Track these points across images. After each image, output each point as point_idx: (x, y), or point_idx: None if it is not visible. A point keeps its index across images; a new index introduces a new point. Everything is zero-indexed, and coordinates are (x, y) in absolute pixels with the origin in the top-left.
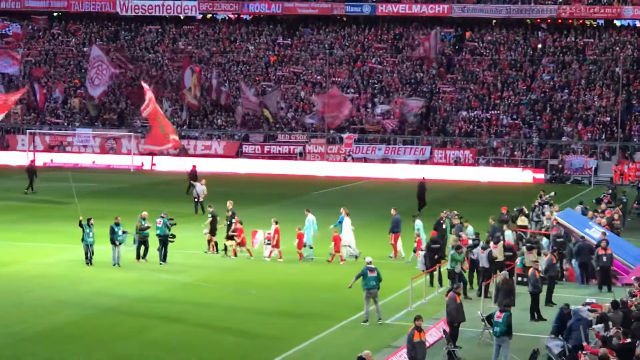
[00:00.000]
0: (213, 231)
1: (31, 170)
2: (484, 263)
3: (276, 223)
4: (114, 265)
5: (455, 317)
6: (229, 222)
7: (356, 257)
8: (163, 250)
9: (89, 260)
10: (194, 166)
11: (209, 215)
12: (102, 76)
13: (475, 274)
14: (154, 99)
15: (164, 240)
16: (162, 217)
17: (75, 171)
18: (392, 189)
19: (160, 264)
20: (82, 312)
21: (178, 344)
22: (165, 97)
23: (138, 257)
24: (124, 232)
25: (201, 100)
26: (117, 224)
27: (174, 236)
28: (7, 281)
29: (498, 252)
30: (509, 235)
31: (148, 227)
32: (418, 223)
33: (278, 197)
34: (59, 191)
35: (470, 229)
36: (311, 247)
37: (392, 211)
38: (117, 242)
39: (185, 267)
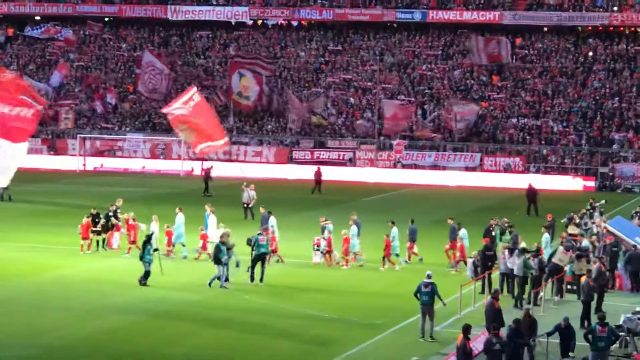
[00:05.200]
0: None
1: (207, 175)
2: (517, 271)
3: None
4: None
5: (492, 322)
6: (106, 218)
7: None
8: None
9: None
10: (319, 167)
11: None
12: (157, 81)
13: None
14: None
15: (264, 259)
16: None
17: (124, 176)
18: (442, 195)
19: (260, 284)
20: (130, 317)
21: (227, 349)
22: (216, 104)
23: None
24: (155, 250)
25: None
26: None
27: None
28: (56, 285)
29: (567, 258)
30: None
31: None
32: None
33: (327, 203)
34: (108, 196)
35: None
36: (183, 245)
37: (261, 209)
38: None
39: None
